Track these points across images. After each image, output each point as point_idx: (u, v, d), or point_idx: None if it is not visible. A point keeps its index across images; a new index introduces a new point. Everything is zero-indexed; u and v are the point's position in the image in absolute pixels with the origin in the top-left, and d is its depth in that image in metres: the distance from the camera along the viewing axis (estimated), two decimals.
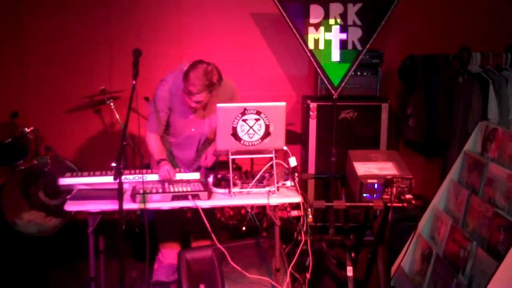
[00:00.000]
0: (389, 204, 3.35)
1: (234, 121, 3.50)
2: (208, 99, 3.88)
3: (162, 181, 3.74)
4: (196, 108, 3.96)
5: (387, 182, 3.32)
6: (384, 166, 3.48)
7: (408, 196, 3.33)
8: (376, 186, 3.33)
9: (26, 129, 5.37)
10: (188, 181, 3.76)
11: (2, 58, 5.79)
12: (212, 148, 4.11)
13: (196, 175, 3.83)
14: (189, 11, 5.89)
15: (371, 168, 3.46)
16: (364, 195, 3.36)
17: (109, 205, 3.39)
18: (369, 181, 3.34)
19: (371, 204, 3.38)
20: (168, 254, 4.36)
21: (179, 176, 3.80)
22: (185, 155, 4.22)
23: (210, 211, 3.69)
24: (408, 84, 5.62)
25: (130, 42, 5.57)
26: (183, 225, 4.49)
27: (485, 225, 3.46)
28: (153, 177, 3.80)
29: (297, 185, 3.64)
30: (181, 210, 3.68)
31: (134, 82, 3.44)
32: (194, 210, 3.53)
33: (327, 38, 5.10)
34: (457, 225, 3.77)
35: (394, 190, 3.32)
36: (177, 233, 4.43)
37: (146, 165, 5.05)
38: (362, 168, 3.46)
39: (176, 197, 3.49)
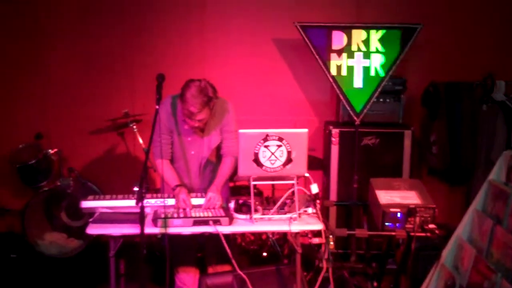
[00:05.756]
0: (412, 234, 3.31)
1: (256, 147, 3.51)
2: (209, 115, 3.83)
3: None
4: (198, 128, 3.91)
5: (410, 211, 3.29)
6: (407, 195, 3.45)
7: (431, 225, 3.30)
8: (398, 215, 3.31)
9: (50, 150, 5.44)
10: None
11: (27, 80, 5.89)
12: (218, 184, 3.95)
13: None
14: (212, 35, 5.94)
15: (393, 196, 3.43)
16: (387, 224, 3.33)
17: (131, 229, 3.40)
18: (391, 210, 3.32)
19: (393, 233, 3.35)
20: (185, 278, 4.32)
21: (195, 201, 3.80)
22: (189, 180, 4.09)
23: (230, 236, 3.66)
24: (431, 111, 5.58)
25: (153, 65, 5.67)
26: (198, 250, 4.46)
27: (510, 256, 3.39)
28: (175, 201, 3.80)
29: (319, 212, 3.62)
30: (196, 234, 3.66)
31: (157, 107, 3.47)
32: (211, 235, 3.52)
33: (350, 64, 5.12)
34: (481, 256, 3.70)
35: (417, 219, 3.28)
36: (192, 257, 4.40)
37: (157, 190, 5.03)
38: (385, 196, 3.44)
39: (198, 222, 3.49)
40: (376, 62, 5.12)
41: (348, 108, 5.13)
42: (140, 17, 5.90)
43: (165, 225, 3.42)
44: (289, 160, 3.56)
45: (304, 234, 3.76)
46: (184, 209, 3.68)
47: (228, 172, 4.00)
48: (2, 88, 5.88)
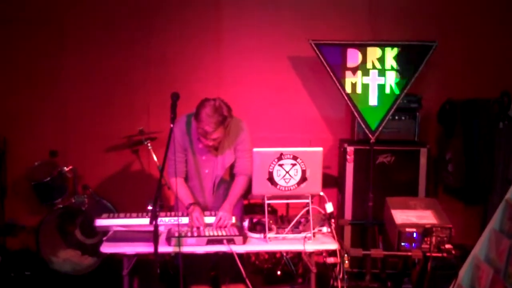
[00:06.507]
0: (428, 254, 3.28)
1: (270, 165, 3.50)
2: (223, 134, 3.81)
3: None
4: (213, 146, 3.89)
5: (426, 231, 3.25)
6: (423, 215, 3.41)
7: (447, 245, 3.25)
8: (414, 235, 3.27)
9: (65, 168, 5.45)
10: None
11: (42, 98, 5.93)
12: (230, 203, 3.91)
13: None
14: (228, 53, 5.95)
15: (409, 216, 3.40)
16: (403, 244, 3.30)
17: (145, 248, 3.39)
18: (407, 229, 3.28)
19: (409, 253, 3.31)
20: None
21: (209, 220, 3.78)
22: (203, 199, 4.07)
23: (243, 255, 3.62)
24: (448, 128, 5.54)
25: (168, 82, 5.70)
26: (212, 269, 4.43)
27: None
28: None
29: (334, 231, 3.59)
30: (210, 253, 3.63)
31: (172, 125, 3.48)
32: (225, 254, 3.50)
33: (365, 82, 5.10)
34: (499, 276, 3.64)
35: (434, 239, 3.24)
36: (206, 276, 4.37)
37: (171, 207, 5.01)
38: (401, 216, 3.40)
39: (211, 241, 3.47)
40: (391, 79, 5.10)
41: (363, 126, 5.10)
42: (156, 35, 5.93)
43: (179, 244, 3.41)
44: (303, 179, 3.54)
45: (319, 253, 3.73)
46: (198, 228, 3.66)
47: (240, 191, 3.97)
48: (18, 106, 5.92)
